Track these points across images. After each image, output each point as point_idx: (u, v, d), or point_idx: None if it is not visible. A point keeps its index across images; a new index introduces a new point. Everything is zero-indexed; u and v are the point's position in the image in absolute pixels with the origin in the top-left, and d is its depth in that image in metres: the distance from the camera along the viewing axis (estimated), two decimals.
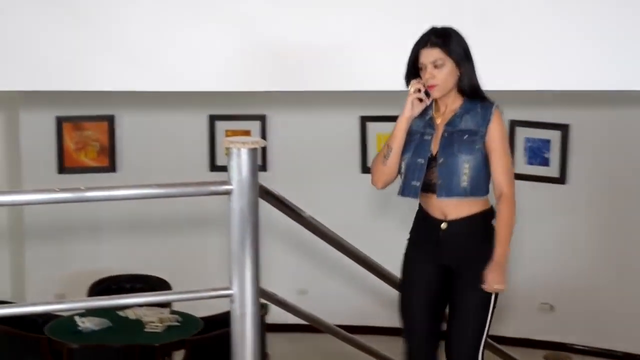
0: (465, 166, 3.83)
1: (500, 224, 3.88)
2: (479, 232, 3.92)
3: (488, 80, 4.03)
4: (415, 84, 3.89)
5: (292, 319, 4.59)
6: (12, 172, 7.35)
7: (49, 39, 4.92)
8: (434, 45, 3.86)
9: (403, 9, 4.65)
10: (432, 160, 3.89)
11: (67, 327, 5.78)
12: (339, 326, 4.84)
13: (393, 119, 3.96)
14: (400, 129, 3.92)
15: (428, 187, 3.89)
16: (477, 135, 3.85)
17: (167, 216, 7.46)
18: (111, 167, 7.60)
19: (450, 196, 3.85)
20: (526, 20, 4.63)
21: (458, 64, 3.87)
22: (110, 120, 7.57)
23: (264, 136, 7.55)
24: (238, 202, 3.00)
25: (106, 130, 7.59)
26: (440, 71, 3.86)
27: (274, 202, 3.75)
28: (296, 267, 7.68)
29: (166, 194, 3.12)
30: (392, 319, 4.37)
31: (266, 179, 3.55)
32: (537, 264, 7.30)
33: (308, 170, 7.59)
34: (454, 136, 3.87)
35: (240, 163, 2.99)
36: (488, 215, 3.93)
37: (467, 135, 3.86)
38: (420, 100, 3.91)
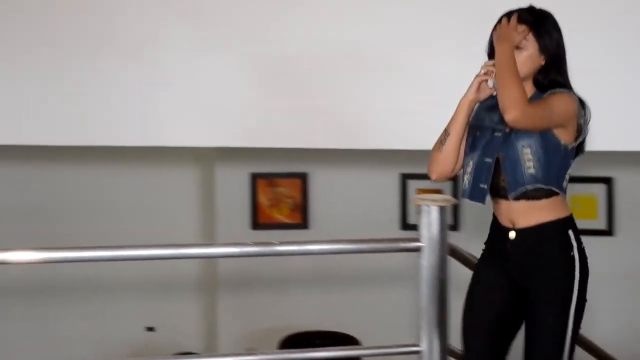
0: (526, 152, 3.34)
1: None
2: (554, 244, 3.40)
3: None
4: (487, 66, 3.42)
5: None
6: (206, 226, 7.53)
7: (244, 98, 5.06)
8: (521, 21, 3.39)
9: (445, 72, 4.63)
10: (499, 160, 3.42)
11: None
12: None
13: None
14: (460, 112, 3.44)
15: (497, 192, 3.44)
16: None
17: (356, 272, 7.49)
18: (303, 224, 7.68)
19: (519, 188, 3.36)
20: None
21: (544, 51, 3.39)
22: (303, 177, 7.68)
23: (455, 195, 7.50)
24: (428, 259, 3.01)
25: (299, 187, 7.69)
26: (520, 53, 3.37)
27: (464, 259, 3.73)
28: None
29: (358, 250, 3.17)
30: None
31: (458, 239, 3.55)
32: None
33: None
34: (496, 133, 3.43)
35: (430, 220, 3.00)
36: (566, 223, 3.41)
37: (499, 127, 3.41)
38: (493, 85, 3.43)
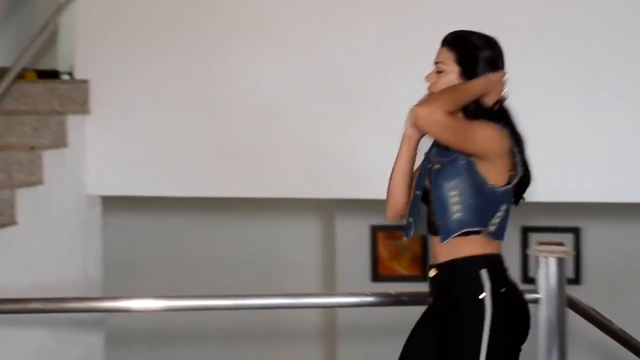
0: (453, 194, 3.05)
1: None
2: (461, 283, 3.08)
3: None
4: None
5: None
6: (327, 277, 7.58)
7: (368, 150, 5.11)
8: (444, 43, 3.13)
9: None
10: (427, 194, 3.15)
11: None
12: None
13: None
14: (400, 150, 3.21)
15: (430, 227, 3.15)
16: (452, 156, 3.08)
17: None
18: (422, 277, 7.68)
19: (450, 236, 3.06)
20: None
21: (466, 76, 3.08)
22: None
23: (578, 249, 7.40)
24: (546, 311, 3.00)
25: (419, 240, 7.70)
26: (439, 78, 3.10)
27: (585, 313, 3.68)
28: None
29: None
30: None
31: (579, 292, 3.51)
32: None
33: (624, 283, 7.36)
34: (444, 165, 3.11)
35: (548, 272, 2.99)
36: (478, 262, 3.07)
37: (451, 161, 3.10)
38: None
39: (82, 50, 5.43)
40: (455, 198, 3.03)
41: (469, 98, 3.03)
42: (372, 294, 3.19)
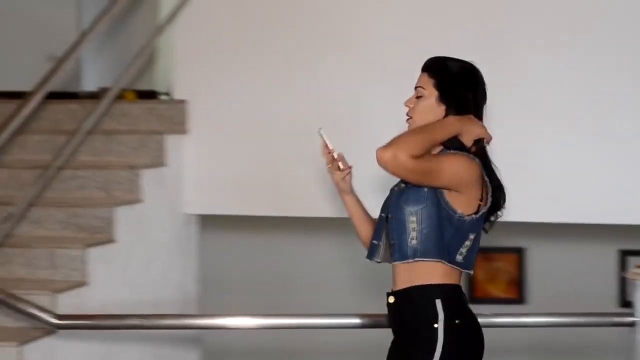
0: (412, 220, 3.00)
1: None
2: (415, 311, 3.03)
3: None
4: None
5: None
6: None
7: None
8: (424, 69, 3.13)
9: None
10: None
11: None
12: None
13: None
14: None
15: (391, 251, 3.12)
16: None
17: (569, 347, 7.32)
18: (520, 299, 7.60)
19: (402, 260, 3.03)
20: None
21: (444, 101, 3.06)
22: (519, 252, 7.61)
23: None
24: None
25: (516, 262, 7.63)
26: (418, 102, 3.09)
27: None
28: None
29: (572, 323, 3.15)
30: None
31: None
32: None
33: None
34: (408, 187, 3.07)
35: None
36: (432, 291, 3.01)
37: (405, 186, 3.07)
38: None
39: (180, 70, 5.52)
40: (413, 224, 3.00)
41: (440, 138, 2.99)
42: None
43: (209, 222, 5.85)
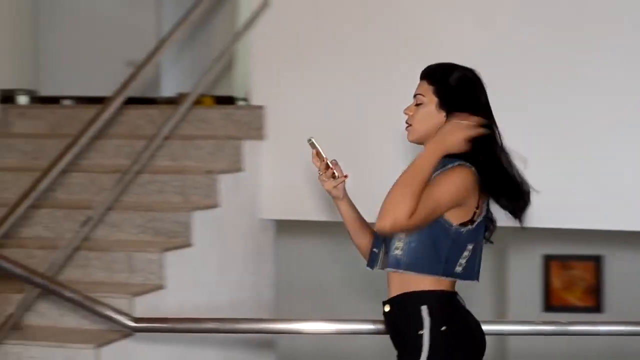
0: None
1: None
2: (403, 318, 3.03)
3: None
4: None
5: None
6: (498, 305, 7.52)
7: (540, 177, 5.05)
8: (423, 76, 3.10)
9: None
10: None
11: None
12: None
13: None
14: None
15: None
16: None
17: None
18: (597, 307, 7.52)
19: (385, 267, 3.05)
20: None
21: (443, 107, 3.03)
22: (597, 260, 7.53)
23: None
24: None
25: (593, 270, 7.54)
26: (418, 110, 3.07)
27: None
28: None
29: None
30: None
31: None
32: None
33: None
34: None
35: None
36: (419, 298, 3.00)
37: None
38: None
39: (257, 76, 5.55)
40: (400, 234, 2.99)
41: (425, 179, 2.94)
42: (544, 322, 3.15)
43: (284, 227, 5.87)
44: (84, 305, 3.70)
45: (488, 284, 7.54)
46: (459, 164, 2.97)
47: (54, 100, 6.29)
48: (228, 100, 6.29)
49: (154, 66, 5.19)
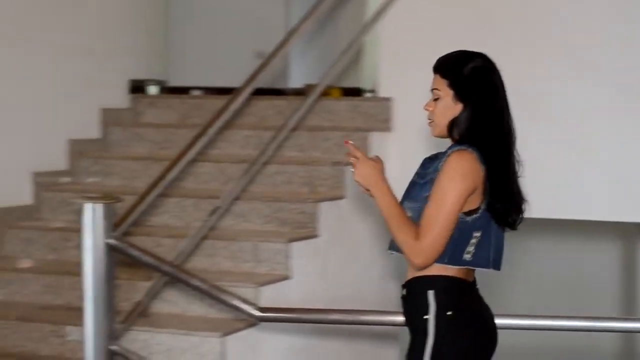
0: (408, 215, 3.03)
1: (404, 218, 3.01)
2: (411, 303, 3.08)
3: None
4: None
5: None
6: (626, 302, 7.38)
7: None
8: (435, 70, 3.11)
9: None
10: None
11: None
12: None
13: None
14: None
15: None
16: (427, 179, 3.05)
17: None
18: None
19: (391, 250, 3.12)
20: None
21: (459, 98, 3.03)
22: None
23: None
24: None
25: None
26: (436, 104, 3.07)
27: None
28: None
29: None
30: None
31: None
32: None
33: None
34: (415, 183, 3.13)
35: None
36: (427, 283, 3.02)
37: (417, 178, 3.12)
38: None
39: (385, 68, 5.52)
40: None
41: (392, 213, 3.02)
42: None
43: None
44: (211, 294, 3.72)
45: (616, 280, 7.41)
46: (458, 149, 2.98)
47: (183, 91, 6.37)
48: (355, 92, 6.28)
49: (283, 57, 5.20)
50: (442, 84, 3.05)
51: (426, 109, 3.11)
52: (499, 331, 3.13)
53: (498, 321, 3.13)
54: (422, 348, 3.00)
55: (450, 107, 3.04)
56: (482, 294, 3.13)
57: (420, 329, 3.02)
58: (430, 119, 3.10)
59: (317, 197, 5.03)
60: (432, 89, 3.09)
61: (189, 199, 5.11)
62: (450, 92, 3.03)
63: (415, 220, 3.00)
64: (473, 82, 3.02)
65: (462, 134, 3.02)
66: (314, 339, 4.83)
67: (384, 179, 3.08)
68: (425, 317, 3.00)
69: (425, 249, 2.96)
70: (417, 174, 3.15)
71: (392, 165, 5.39)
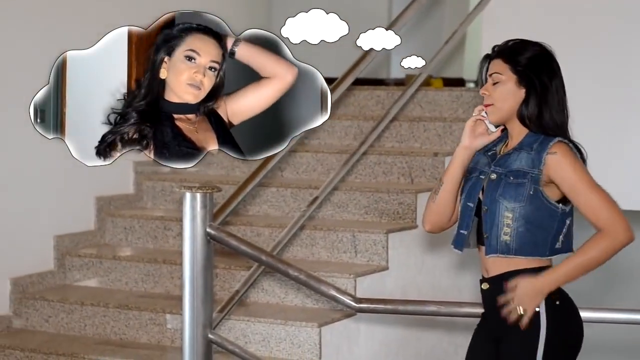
0: (507, 216, 2.99)
1: (582, 250, 2.94)
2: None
3: None
4: (478, 110, 3.12)
5: None
6: None
7: None
8: (497, 55, 3.08)
9: None
10: (481, 206, 3.09)
11: None
12: None
13: None
14: (453, 159, 3.15)
15: (480, 238, 3.12)
16: (527, 177, 2.99)
17: None
18: None
19: (492, 253, 3.03)
20: None
21: (523, 83, 3.02)
22: None
23: None
24: None
25: None
26: (496, 89, 3.04)
27: None
28: None
29: None
30: None
31: None
32: None
33: None
34: (501, 178, 3.04)
35: None
36: (535, 273, 2.99)
37: (513, 177, 3.01)
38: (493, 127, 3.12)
39: None
40: (508, 220, 3.01)
41: (577, 270, 2.98)
42: None
43: None
44: (309, 284, 3.74)
45: None
46: (558, 141, 3.00)
47: None
48: (457, 83, 6.24)
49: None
50: (505, 68, 3.05)
51: (483, 94, 3.09)
52: None
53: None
54: (534, 344, 3.00)
55: (514, 92, 3.04)
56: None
57: (530, 322, 3.00)
58: (488, 104, 3.09)
59: (416, 188, 5.02)
60: (492, 74, 3.08)
61: (288, 189, 5.15)
62: (514, 77, 3.04)
63: (518, 219, 3.00)
64: (537, 67, 3.04)
65: (533, 120, 3.03)
66: (410, 330, 4.83)
67: (539, 279, 3.00)
68: (536, 309, 2.99)
69: (621, 229, 2.95)
70: (484, 169, 3.11)
71: None
